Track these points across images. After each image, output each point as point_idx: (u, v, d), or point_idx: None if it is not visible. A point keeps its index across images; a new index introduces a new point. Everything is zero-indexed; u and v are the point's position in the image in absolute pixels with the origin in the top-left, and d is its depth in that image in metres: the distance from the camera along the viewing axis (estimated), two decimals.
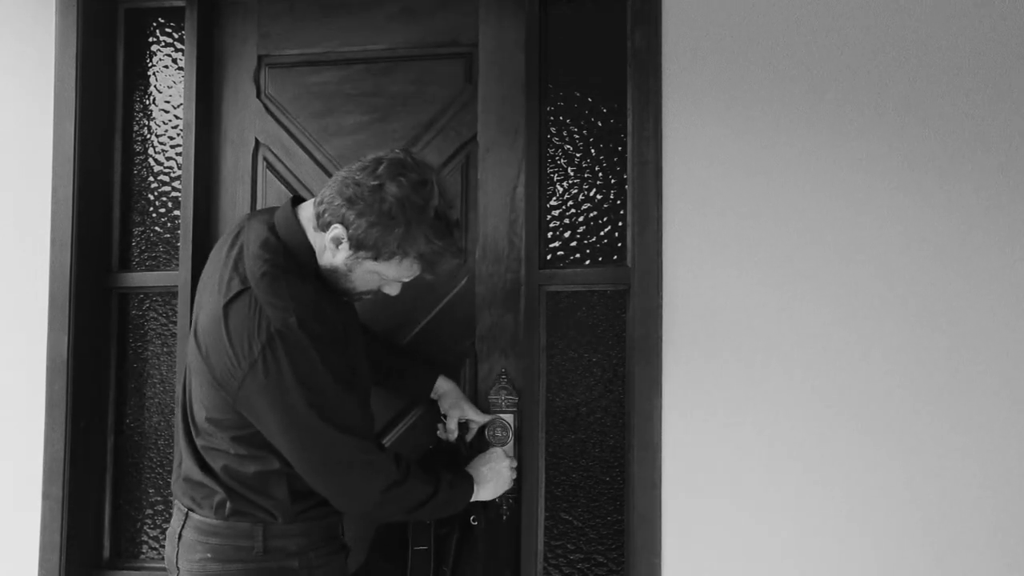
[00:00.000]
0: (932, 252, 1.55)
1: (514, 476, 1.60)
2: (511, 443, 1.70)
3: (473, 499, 1.51)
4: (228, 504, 1.35)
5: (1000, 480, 1.51)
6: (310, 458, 1.31)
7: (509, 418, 1.71)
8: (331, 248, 1.34)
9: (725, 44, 1.63)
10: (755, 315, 1.60)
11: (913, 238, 1.55)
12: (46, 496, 1.80)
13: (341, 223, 1.31)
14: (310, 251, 1.37)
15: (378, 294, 1.44)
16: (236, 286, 1.30)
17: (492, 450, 1.63)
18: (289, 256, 1.35)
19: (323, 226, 1.34)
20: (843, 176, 1.58)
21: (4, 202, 1.87)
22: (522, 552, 1.71)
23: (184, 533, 1.39)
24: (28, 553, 1.81)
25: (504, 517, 1.71)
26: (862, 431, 1.55)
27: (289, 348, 1.26)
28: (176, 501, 1.45)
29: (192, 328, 1.40)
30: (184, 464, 1.42)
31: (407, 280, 1.41)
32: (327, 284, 1.39)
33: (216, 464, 1.36)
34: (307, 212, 1.39)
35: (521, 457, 1.70)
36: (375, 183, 1.29)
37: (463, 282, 1.80)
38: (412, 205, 1.29)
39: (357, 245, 1.31)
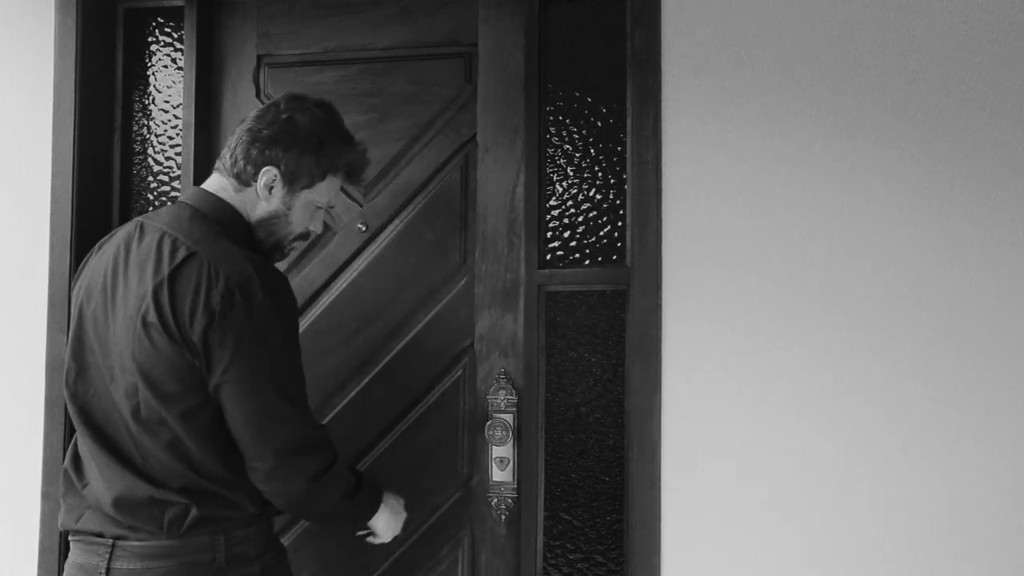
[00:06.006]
0: (940, 264, 1.55)
1: (400, 529, 1.54)
2: (511, 443, 1.71)
3: (371, 520, 1.46)
4: (192, 512, 1.25)
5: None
6: (253, 421, 1.26)
7: (508, 418, 1.71)
8: (264, 196, 1.38)
9: (725, 44, 1.63)
10: (755, 315, 1.60)
11: (922, 238, 1.55)
12: (45, 496, 1.80)
13: (270, 164, 1.37)
14: (236, 213, 1.38)
15: (308, 238, 1.50)
16: (182, 254, 1.26)
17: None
18: (221, 226, 1.34)
19: (247, 180, 1.38)
20: (846, 176, 1.58)
21: (3, 202, 1.87)
22: (521, 552, 1.71)
23: (115, 567, 1.25)
24: (28, 552, 1.81)
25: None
26: (867, 431, 1.55)
27: (247, 300, 1.24)
28: (82, 539, 1.29)
29: (104, 330, 1.30)
30: (115, 486, 1.27)
31: (333, 205, 1.53)
32: (257, 248, 1.40)
33: (176, 466, 1.26)
34: (214, 184, 1.40)
35: (520, 457, 1.71)
36: (285, 116, 1.38)
37: (462, 282, 1.80)
38: (324, 123, 1.41)
39: (291, 179, 1.38)
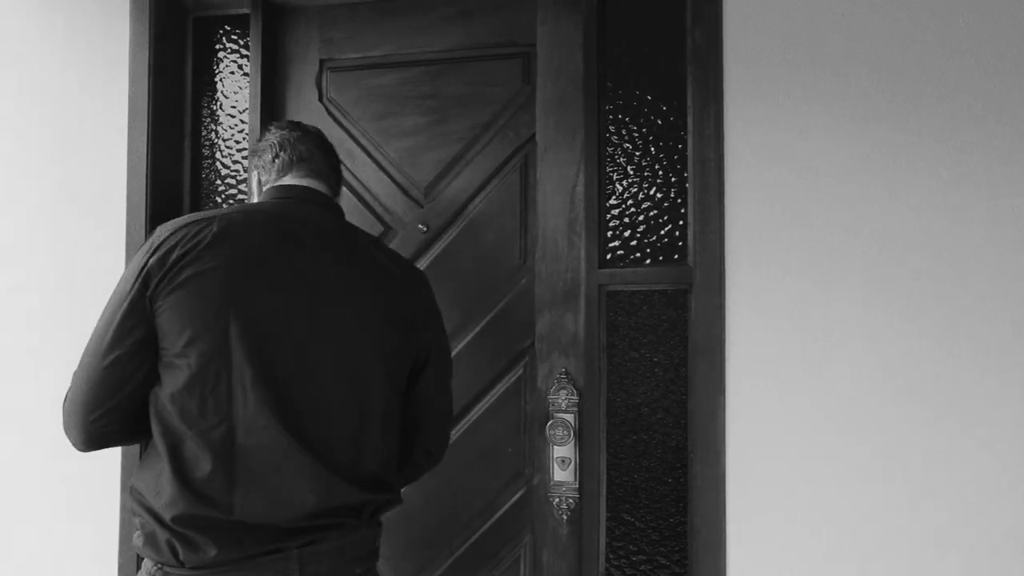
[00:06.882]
0: (1012, 262, 1.50)
1: None
2: (572, 443, 1.71)
3: None
4: (388, 506, 1.32)
5: None
6: (446, 408, 1.49)
7: (570, 418, 1.71)
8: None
9: (787, 43, 1.60)
10: (820, 315, 1.56)
11: (996, 237, 1.50)
12: (125, 488, 1.86)
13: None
14: None
15: None
16: (390, 256, 1.40)
17: None
18: None
19: (337, 192, 1.50)
20: (910, 176, 1.54)
21: (82, 206, 1.95)
22: (583, 553, 1.71)
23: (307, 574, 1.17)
24: (108, 543, 1.88)
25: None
26: (940, 432, 1.51)
27: (434, 300, 1.48)
28: (242, 563, 1.12)
29: (306, 327, 1.20)
30: (317, 491, 1.16)
31: None
32: None
33: (380, 458, 1.29)
34: (327, 190, 1.47)
35: (582, 457, 1.70)
36: (330, 144, 1.53)
37: (522, 282, 1.80)
38: None
39: None
